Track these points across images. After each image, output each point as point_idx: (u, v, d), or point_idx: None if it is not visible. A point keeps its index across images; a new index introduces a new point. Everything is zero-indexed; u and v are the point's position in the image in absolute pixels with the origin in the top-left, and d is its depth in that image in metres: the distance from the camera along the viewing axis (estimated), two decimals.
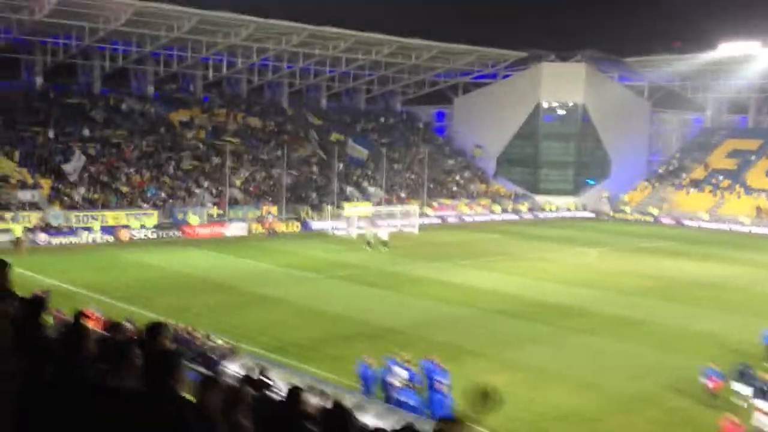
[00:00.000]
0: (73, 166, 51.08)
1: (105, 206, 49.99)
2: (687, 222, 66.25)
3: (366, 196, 63.84)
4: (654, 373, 22.47)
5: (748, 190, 68.39)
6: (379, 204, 61.33)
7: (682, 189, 72.79)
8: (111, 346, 6.03)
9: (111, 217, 49.05)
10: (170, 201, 53.34)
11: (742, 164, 72.70)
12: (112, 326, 9.88)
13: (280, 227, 54.58)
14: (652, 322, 28.78)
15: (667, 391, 20.94)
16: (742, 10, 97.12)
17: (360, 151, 64.24)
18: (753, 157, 72.94)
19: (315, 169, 65.03)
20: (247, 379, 14.37)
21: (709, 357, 23.96)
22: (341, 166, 63.31)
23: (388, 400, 18.12)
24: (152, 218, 50.70)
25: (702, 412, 19.03)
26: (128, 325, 20.49)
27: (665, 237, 57.22)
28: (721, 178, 71.75)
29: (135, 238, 48.37)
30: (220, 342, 21.14)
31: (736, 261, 45.53)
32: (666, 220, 67.62)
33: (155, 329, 7.17)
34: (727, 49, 68.86)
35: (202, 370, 16.69)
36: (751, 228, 62.46)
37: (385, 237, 46.52)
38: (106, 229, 47.78)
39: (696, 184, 72.76)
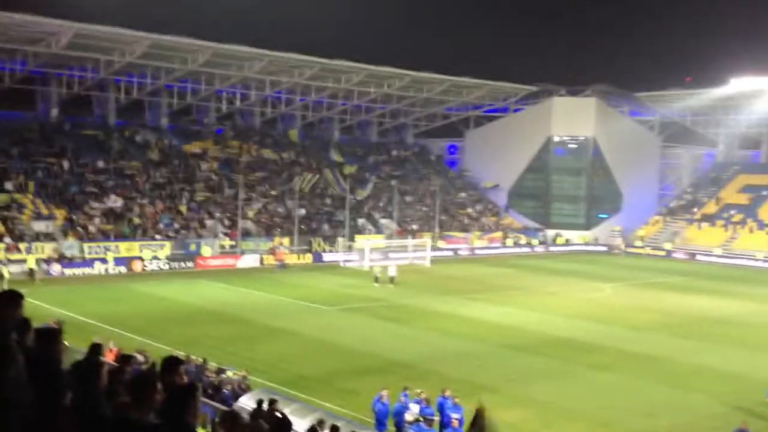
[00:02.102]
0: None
1: (118, 237, 50.25)
2: (700, 257, 65.87)
3: (378, 229, 63.94)
4: (667, 410, 22.24)
5: (762, 225, 68.05)
6: (391, 237, 61.39)
7: (695, 224, 72.52)
8: (131, 379, 6.07)
9: (124, 248, 49.28)
10: (183, 232, 53.59)
11: (755, 199, 72.42)
12: (125, 358, 9.92)
13: (292, 259, 54.65)
14: (665, 359, 28.53)
15: (680, 429, 20.73)
16: (753, 46, 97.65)
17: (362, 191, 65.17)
18: (766, 192, 72.65)
19: (327, 201, 65.27)
20: (259, 413, 14.35)
21: (720, 394, 23.69)
22: (353, 198, 63.51)
23: None
24: (165, 249, 50.90)
25: None
26: (140, 357, 20.54)
27: (678, 272, 56.88)
28: (733, 212, 71.45)
29: (148, 269, 48.52)
30: (231, 375, 21.09)
31: (749, 297, 45.15)
32: (678, 255, 67.27)
33: (173, 363, 7.21)
34: (738, 84, 68.98)
35: (216, 404, 16.65)
36: (764, 263, 61.99)
37: (393, 273, 46.05)
38: (120, 260, 47.99)
39: (708, 218, 72.46)
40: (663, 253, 68.23)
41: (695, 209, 75.03)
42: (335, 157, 71.98)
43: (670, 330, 34.16)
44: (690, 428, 20.79)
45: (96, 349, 9.07)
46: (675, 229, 72.65)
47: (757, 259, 62.87)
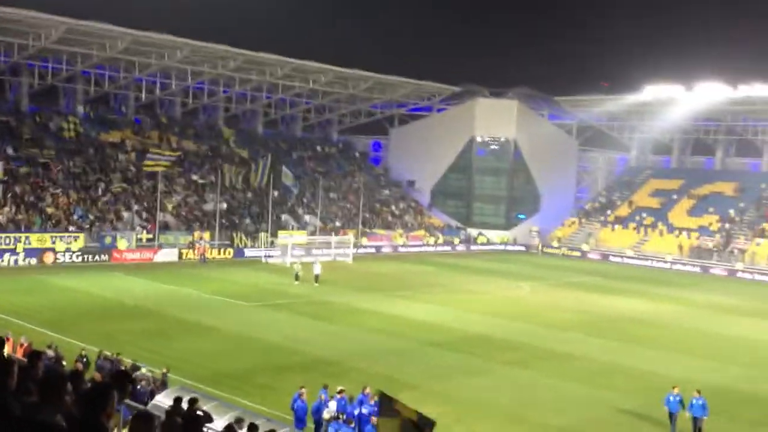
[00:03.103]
0: None
1: (29, 228, 48.32)
2: (613, 258, 68.06)
3: (301, 225, 63.52)
4: (579, 407, 22.92)
5: (671, 228, 70.79)
6: (314, 233, 61.08)
7: (608, 225, 74.87)
8: (40, 380, 5.83)
9: (35, 239, 47.39)
10: (98, 224, 51.96)
11: (665, 203, 75.28)
12: (35, 354, 9.54)
13: (213, 254, 53.75)
14: (579, 357, 29.36)
15: (590, 424, 21.38)
16: (666, 55, 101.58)
17: (288, 176, 63.14)
18: (675, 196, 75.65)
19: (250, 195, 64.41)
20: (176, 411, 14.02)
21: (632, 392, 24.54)
22: (276, 193, 62.85)
23: None
24: (79, 241, 49.22)
25: None
26: (51, 353, 19.81)
27: (592, 272, 58.60)
28: (645, 215, 74.09)
29: (60, 261, 46.88)
30: (147, 371, 20.57)
31: (659, 297, 46.85)
32: (593, 256, 69.33)
33: (125, 377, 7.11)
34: (652, 91, 71.56)
35: (132, 403, 16.17)
36: (673, 265, 64.55)
37: (317, 271, 45.11)
38: (30, 252, 46.17)
39: (621, 221, 74.94)
40: (578, 253, 70.21)
41: (609, 211, 77.46)
42: (234, 149, 70.96)
43: (585, 329, 35.15)
44: (599, 424, 21.48)
45: (2, 345, 8.66)
46: (590, 231, 74.83)
47: (666, 261, 65.37)
